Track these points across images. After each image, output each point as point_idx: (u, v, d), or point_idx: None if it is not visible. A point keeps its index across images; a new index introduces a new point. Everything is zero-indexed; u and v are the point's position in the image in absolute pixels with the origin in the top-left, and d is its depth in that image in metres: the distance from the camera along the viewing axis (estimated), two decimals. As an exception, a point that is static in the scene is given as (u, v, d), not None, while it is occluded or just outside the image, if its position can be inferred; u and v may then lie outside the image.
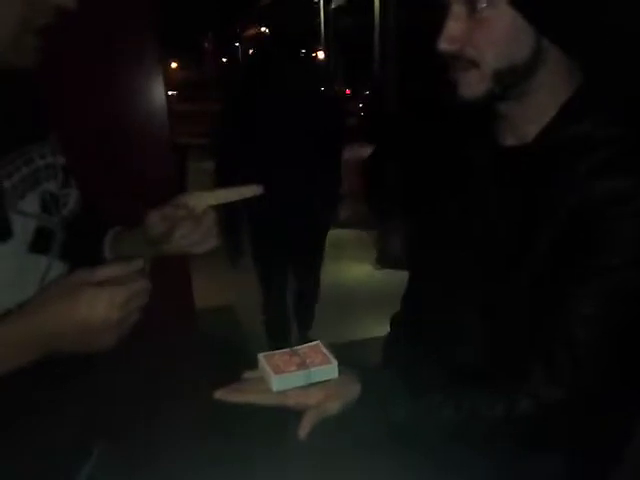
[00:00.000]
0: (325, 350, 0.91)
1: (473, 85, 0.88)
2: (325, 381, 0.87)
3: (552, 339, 0.85)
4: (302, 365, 0.87)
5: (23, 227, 0.85)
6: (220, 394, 0.85)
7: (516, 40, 0.85)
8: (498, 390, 0.88)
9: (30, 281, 0.86)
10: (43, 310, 0.74)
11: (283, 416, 0.87)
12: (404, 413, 0.89)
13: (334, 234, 4.21)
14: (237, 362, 0.93)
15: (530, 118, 0.91)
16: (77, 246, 0.97)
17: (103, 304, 0.72)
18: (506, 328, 0.91)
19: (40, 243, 0.88)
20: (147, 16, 1.97)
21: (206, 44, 18.16)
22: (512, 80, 0.87)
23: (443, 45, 0.87)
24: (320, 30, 7.94)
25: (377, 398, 0.89)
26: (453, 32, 0.86)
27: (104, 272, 0.75)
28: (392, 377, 0.92)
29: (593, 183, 0.83)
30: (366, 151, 4.82)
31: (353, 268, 5.09)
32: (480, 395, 0.88)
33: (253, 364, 0.93)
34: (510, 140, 0.95)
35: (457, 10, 0.86)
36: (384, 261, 5.03)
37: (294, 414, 0.86)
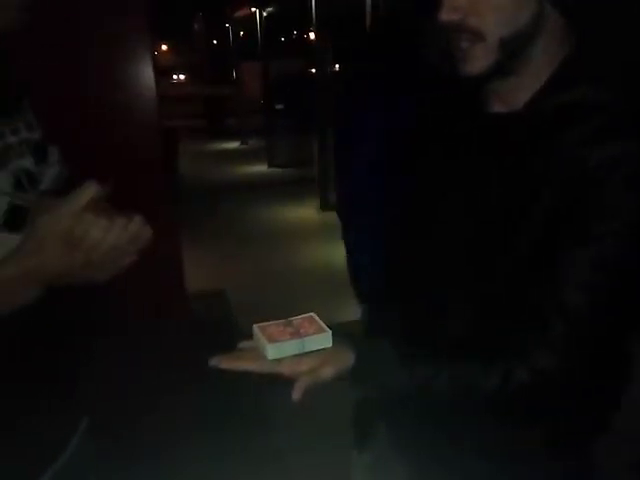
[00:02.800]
0: (319, 320, 0.93)
1: (480, 58, 0.87)
2: (319, 350, 0.88)
3: (546, 307, 0.85)
4: (296, 334, 0.88)
5: None
6: (215, 361, 0.86)
7: (519, 5, 0.85)
8: (493, 359, 0.88)
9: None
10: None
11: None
12: (398, 383, 0.90)
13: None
14: (230, 344, 0.92)
15: (522, 85, 0.90)
16: None
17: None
18: (500, 297, 0.91)
19: (13, 220, 0.87)
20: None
21: (196, 25, 17.91)
22: (516, 47, 0.87)
23: (446, 15, 0.86)
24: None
25: (371, 368, 0.90)
26: (456, 1, 0.85)
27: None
28: (386, 347, 0.92)
29: (586, 150, 0.83)
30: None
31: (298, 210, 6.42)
32: (475, 365, 0.89)
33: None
34: (499, 107, 0.95)
35: None
36: (327, 205, 5.98)
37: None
